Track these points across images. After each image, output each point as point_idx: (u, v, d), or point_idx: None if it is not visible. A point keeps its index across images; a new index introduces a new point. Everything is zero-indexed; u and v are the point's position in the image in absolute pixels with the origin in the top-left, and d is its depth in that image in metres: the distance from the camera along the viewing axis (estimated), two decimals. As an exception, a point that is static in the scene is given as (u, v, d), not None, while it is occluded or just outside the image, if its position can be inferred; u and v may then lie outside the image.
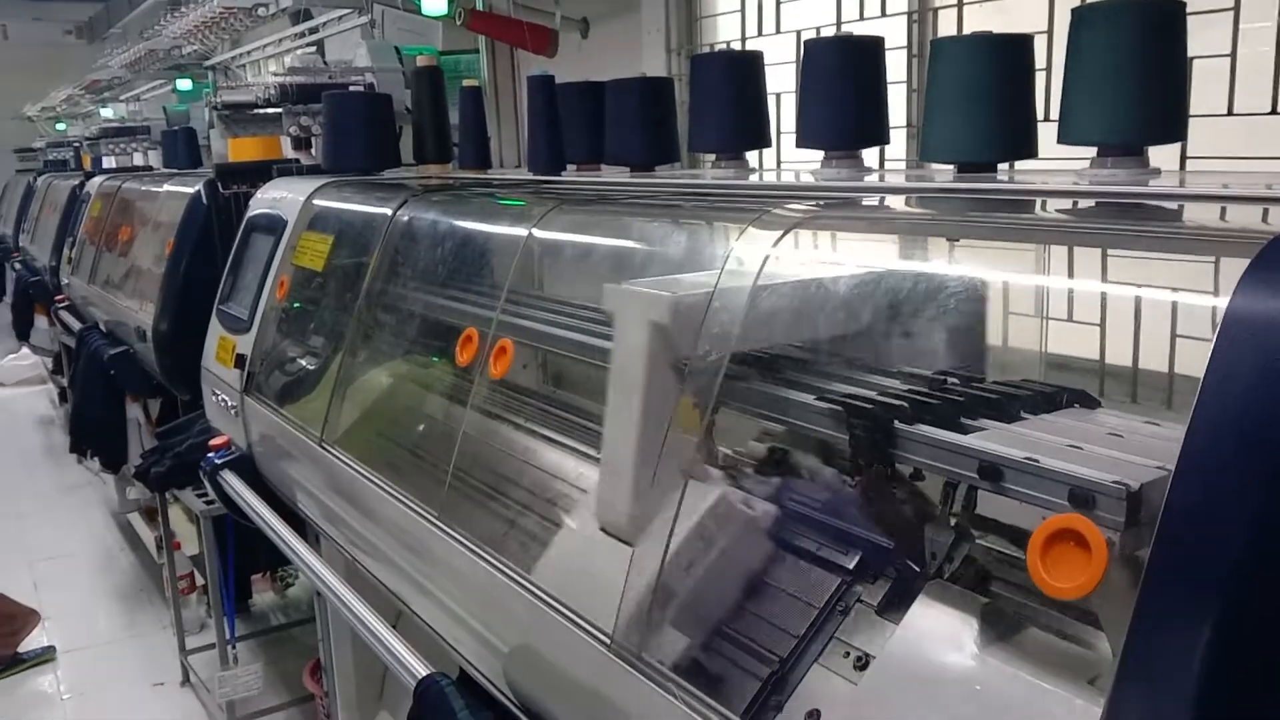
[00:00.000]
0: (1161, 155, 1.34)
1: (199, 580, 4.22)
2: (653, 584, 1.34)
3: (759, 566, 1.42)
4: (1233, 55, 2.31)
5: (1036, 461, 1.06)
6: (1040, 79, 1.49)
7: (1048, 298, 1.74)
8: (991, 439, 1.16)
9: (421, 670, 1.65)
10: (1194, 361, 0.80)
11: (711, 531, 1.49)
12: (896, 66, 2.98)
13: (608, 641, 1.34)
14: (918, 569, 1.28)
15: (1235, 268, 0.81)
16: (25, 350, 8.77)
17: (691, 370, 1.42)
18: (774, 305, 1.47)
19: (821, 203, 1.54)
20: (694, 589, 1.41)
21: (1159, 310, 1.54)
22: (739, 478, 1.54)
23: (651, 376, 1.48)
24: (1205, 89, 2.34)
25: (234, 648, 3.39)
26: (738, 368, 1.43)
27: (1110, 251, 1.16)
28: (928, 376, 1.40)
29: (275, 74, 3.50)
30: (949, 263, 1.45)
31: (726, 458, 1.58)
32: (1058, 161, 1.46)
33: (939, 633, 1.20)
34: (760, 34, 3.59)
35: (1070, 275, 1.34)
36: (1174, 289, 1.14)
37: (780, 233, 1.40)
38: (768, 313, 1.46)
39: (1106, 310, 1.82)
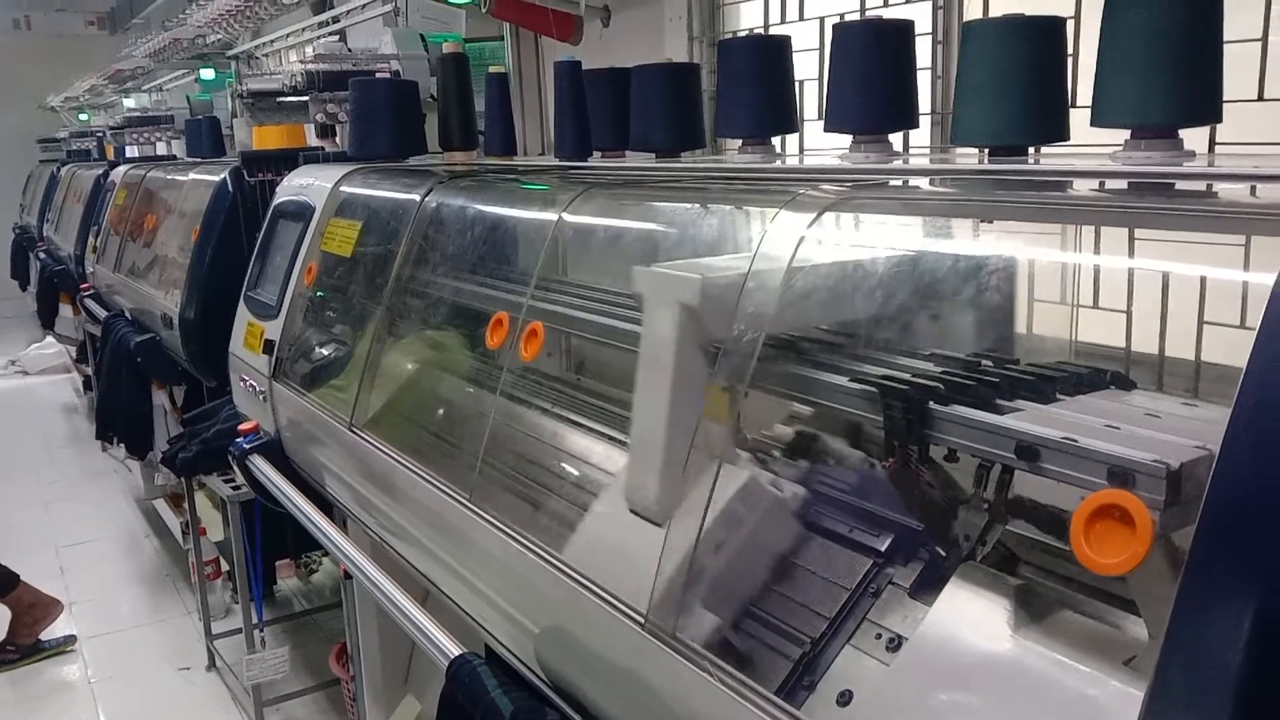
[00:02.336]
0: (1190, 141, 1.33)
1: (224, 566, 4.26)
2: (686, 564, 1.34)
3: (791, 548, 1.42)
4: (1264, 40, 2.28)
5: (1075, 441, 1.06)
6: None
7: (1078, 279, 1.73)
8: (1028, 419, 1.16)
9: (454, 650, 1.66)
10: (1223, 347, 0.80)
11: (743, 513, 1.50)
12: (921, 53, 2.96)
13: (642, 621, 1.35)
14: (949, 551, 1.29)
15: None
16: (49, 339, 8.85)
17: (723, 352, 1.42)
18: (808, 287, 1.47)
19: (852, 185, 1.53)
20: (727, 570, 1.42)
21: (1189, 292, 1.54)
22: (771, 460, 1.55)
23: (681, 359, 1.49)
24: (1235, 74, 2.31)
25: (261, 631, 3.42)
26: (771, 350, 1.43)
27: (1154, 234, 1.16)
28: (962, 359, 1.40)
29: (299, 62, 3.51)
30: (978, 242, 1.45)
31: (758, 441, 1.58)
32: (1087, 148, 1.45)
33: (972, 614, 1.20)
34: (783, 20, 3.58)
35: (1131, 256, 1.33)
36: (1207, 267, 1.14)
37: (814, 214, 1.40)
38: (801, 294, 1.46)
39: (1133, 295, 1.80)
